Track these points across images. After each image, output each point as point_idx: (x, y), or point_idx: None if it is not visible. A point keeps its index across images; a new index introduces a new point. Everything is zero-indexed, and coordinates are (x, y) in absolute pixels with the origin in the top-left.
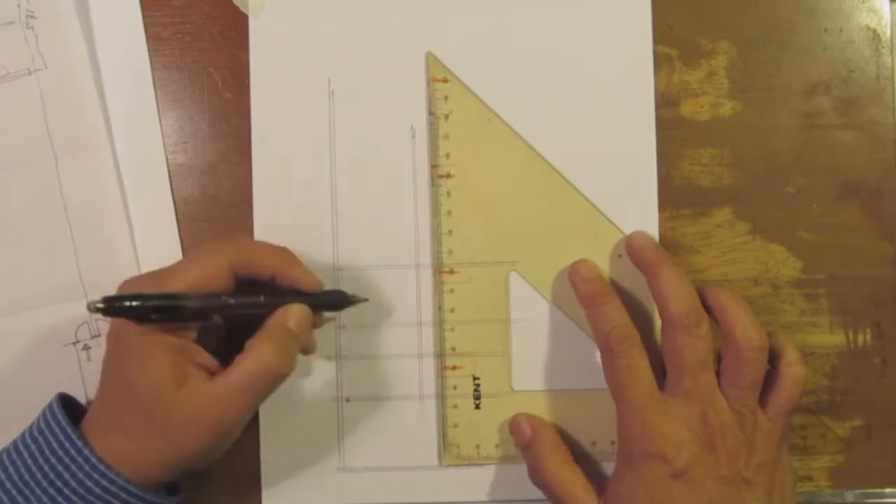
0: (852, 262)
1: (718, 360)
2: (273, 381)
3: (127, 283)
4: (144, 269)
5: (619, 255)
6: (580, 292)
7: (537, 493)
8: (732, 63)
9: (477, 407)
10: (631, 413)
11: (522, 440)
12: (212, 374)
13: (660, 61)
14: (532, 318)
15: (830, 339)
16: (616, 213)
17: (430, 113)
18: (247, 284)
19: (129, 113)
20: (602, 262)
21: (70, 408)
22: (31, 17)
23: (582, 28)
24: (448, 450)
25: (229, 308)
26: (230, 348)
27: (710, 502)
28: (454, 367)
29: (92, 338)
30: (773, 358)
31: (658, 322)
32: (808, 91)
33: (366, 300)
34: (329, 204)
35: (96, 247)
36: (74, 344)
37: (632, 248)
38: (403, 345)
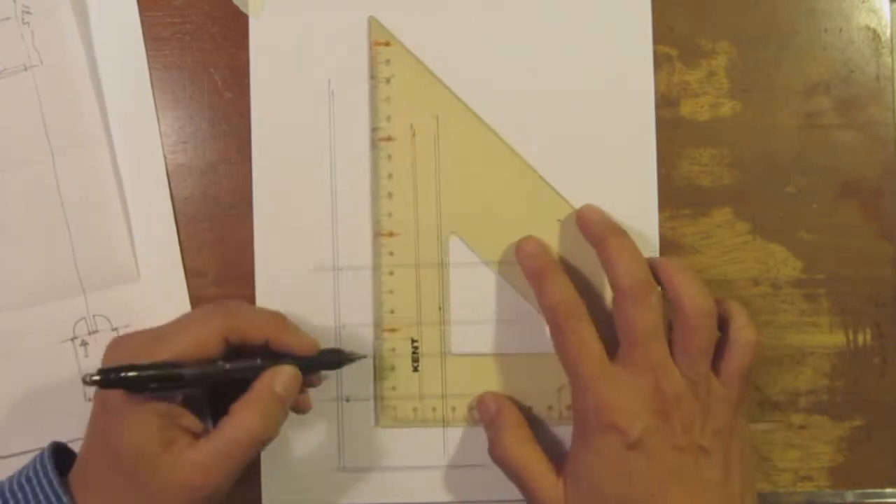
0: (852, 262)
1: (670, 329)
2: (256, 446)
3: (116, 343)
4: (142, 267)
5: (558, 220)
6: (526, 268)
7: None
8: (732, 63)
9: (415, 370)
10: (583, 387)
11: (486, 416)
12: (197, 436)
13: (660, 61)
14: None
15: (830, 339)
16: (616, 213)
17: (371, 76)
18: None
19: (126, 109)
20: (546, 228)
21: (62, 457)
22: (27, 12)
23: (582, 28)
24: (385, 412)
25: (225, 374)
26: (216, 402)
27: (668, 471)
28: (392, 330)
29: (89, 334)
30: (724, 324)
31: (609, 293)
32: (808, 91)
33: (364, 357)
34: (329, 204)
35: (93, 243)
36: (72, 340)
37: (582, 222)
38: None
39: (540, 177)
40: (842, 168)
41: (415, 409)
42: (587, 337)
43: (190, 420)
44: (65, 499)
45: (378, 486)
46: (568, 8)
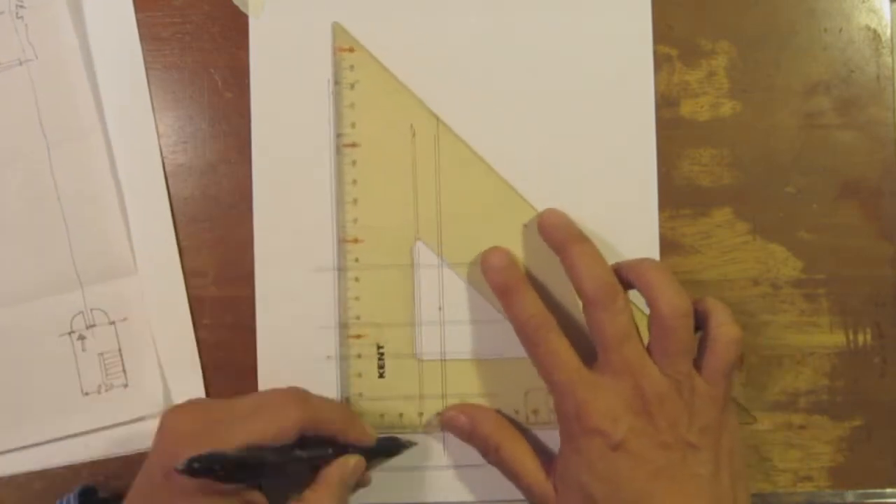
0: (852, 262)
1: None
2: None
3: (177, 415)
4: (139, 260)
5: (525, 225)
6: (492, 282)
7: None
8: (732, 63)
9: (381, 376)
10: (563, 395)
11: (463, 432)
12: None
13: (660, 61)
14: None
15: (830, 339)
16: (616, 212)
17: (336, 82)
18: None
19: (122, 102)
20: (513, 233)
21: (89, 498)
22: (21, 6)
23: (582, 28)
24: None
25: (301, 462)
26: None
27: (655, 470)
28: (358, 336)
29: (87, 328)
30: (704, 321)
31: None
32: (808, 91)
33: (416, 444)
34: (329, 203)
35: (90, 236)
36: (69, 334)
37: (543, 228)
38: (403, 344)
39: (506, 182)
40: (842, 168)
41: (381, 416)
42: (558, 347)
43: (257, 497)
44: None
45: (378, 487)
46: (568, 8)
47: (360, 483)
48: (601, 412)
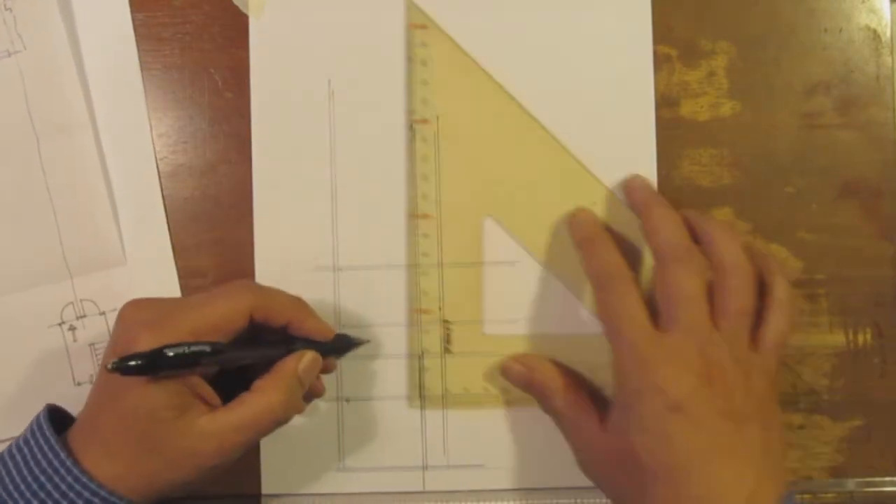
0: (852, 262)
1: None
2: (275, 424)
3: (134, 307)
4: (129, 251)
5: (593, 203)
6: (576, 236)
7: (539, 483)
8: (732, 63)
9: (447, 351)
10: (626, 350)
11: (521, 380)
12: (210, 406)
13: (660, 61)
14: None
15: (830, 339)
16: (617, 212)
17: (408, 58)
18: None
19: (112, 93)
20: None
21: (58, 419)
22: None
23: (582, 28)
24: (416, 392)
25: (248, 357)
26: (224, 378)
27: (710, 437)
28: (426, 311)
29: (77, 318)
30: (764, 293)
31: (647, 268)
32: (808, 91)
33: (368, 341)
34: (329, 203)
35: (80, 227)
36: (60, 325)
37: (629, 189)
38: (403, 344)
39: (577, 160)
40: (842, 168)
41: (446, 391)
42: (632, 301)
43: (206, 390)
44: (62, 454)
45: (378, 487)
46: (568, 8)
47: (315, 391)
48: (663, 370)
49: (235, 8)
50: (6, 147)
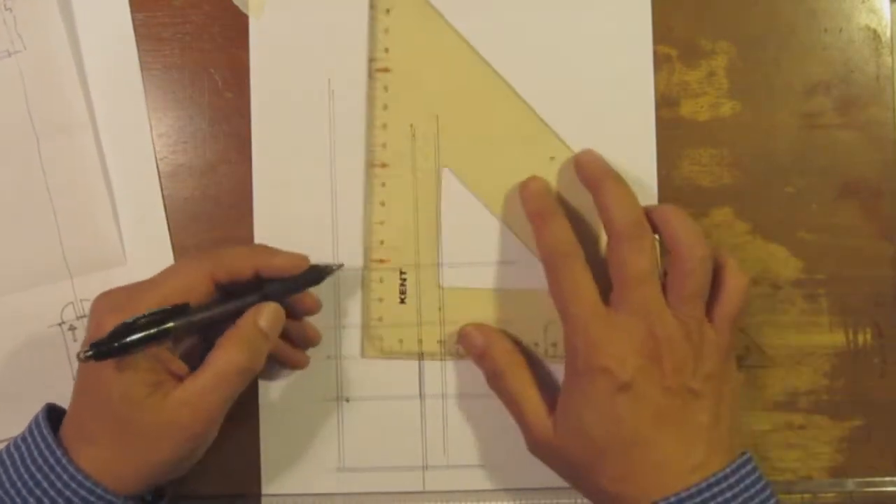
0: (852, 262)
1: (665, 276)
2: (241, 378)
3: (102, 297)
4: (129, 251)
5: (551, 158)
6: (528, 207)
7: (539, 483)
8: (732, 63)
9: (402, 301)
10: (575, 328)
11: (475, 351)
12: (183, 379)
13: (660, 61)
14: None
15: (830, 339)
16: None
17: (371, 6)
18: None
19: (112, 93)
20: (541, 166)
21: (57, 418)
22: None
23: (582, 28)
24: (371, 342)
25: (220, 313)
26: (207, 346)
27: (656, 413)
28: (381, 261)
29: (77, 318)
30: (716, 273)
31: (604, 239)
32: (808, 91)
33: (341, 265)
34: (329, 204)
35: (80, 227)
36: (60, 325)
37: (579, 164)
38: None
39: (537, 115)
40: (842, 168)
41: (400, 341)
42: (581, 278)
43: (177, 364)
44: (58, 452)
45: (378, 487)
46: (568, 8)
47: (310, 311)
48: (611, 351)
49: (235, 8)
50: (6, 147)
